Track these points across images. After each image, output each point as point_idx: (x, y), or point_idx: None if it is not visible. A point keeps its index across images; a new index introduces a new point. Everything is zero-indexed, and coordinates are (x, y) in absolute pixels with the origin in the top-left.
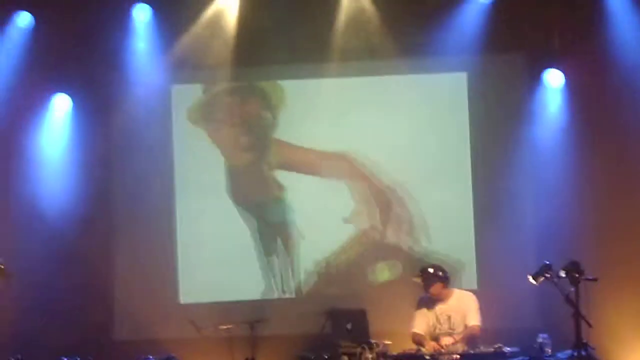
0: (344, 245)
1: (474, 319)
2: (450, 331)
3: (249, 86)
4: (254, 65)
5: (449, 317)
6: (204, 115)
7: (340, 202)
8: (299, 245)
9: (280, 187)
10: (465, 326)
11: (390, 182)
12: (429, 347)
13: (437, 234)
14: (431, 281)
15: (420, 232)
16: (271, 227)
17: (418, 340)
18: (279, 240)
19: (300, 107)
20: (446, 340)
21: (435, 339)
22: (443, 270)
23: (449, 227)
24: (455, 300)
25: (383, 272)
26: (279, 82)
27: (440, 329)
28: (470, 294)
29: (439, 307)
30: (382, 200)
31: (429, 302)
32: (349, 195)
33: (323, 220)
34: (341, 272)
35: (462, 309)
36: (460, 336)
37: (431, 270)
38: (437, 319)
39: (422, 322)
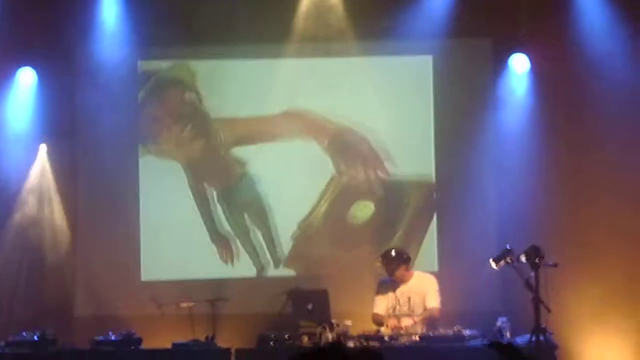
0: (317, 200)
1: (434, 301)
2: (410, 312)
3: (165, 77)
4: (215, 43)
5: (409, 299)
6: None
7: (304, 160)
8: (274, 215)
9: (242, 163)
10: (425, 308)
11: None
12: (388, 327)
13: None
14: (395, 265)
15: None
16: (242, 207)
17: (378, 320)
18: (252, 217)
19: (252, 87)
20: (406, 322)
21: (396, 320)
22: (405, 253)
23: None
24: (416, 282)
25: (363, 210)
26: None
27: (400, 310)
28: (431, 275)
29: (400, 289)
30: (341, 141)
31: (389, 283)
32: (309, 149)
33: (291, 182)
34: (321, 228)
35: (422, 290)
36: (420, 318)
37: (393, 253)
38: (397, 300)
39: (382, 303)
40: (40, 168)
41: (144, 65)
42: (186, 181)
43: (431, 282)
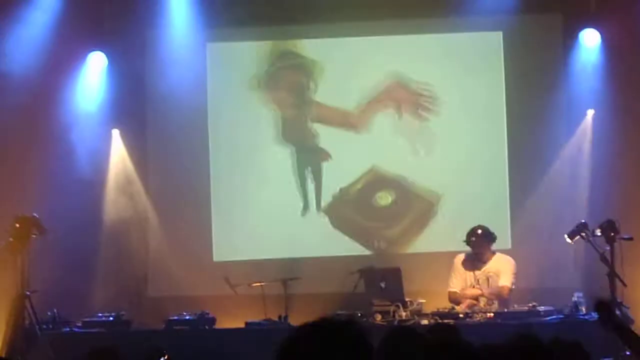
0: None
1: (506, 280)
2: (485, 291)
3: (297, 62)
4: (285, 24)
5: (488, 279)
6: (268, 84)
7: (363, 146)
8: (325, 174)
9: (316, 135)
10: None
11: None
12: (464, 305)
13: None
14: (483, 243)
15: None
16: (305, 159)
17: (455, 298)
18: (310, 168)
19: (335, 72)
20: (482, 301)
21: (474, 299)
22: (491, 232)
23: (483, 185)
24: (495, 262)
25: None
26: (315, 58)
27: (476, 291)
28: (510, 258)
29: (480, 269)
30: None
31: (467, 262)
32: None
33: (345, 160)
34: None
35: (500, 270)
36: (487, 292)
37: (480, 231)
38: (477, 280)
39: (459, 281)
40: (118, 154)
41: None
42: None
43: (509, 263)
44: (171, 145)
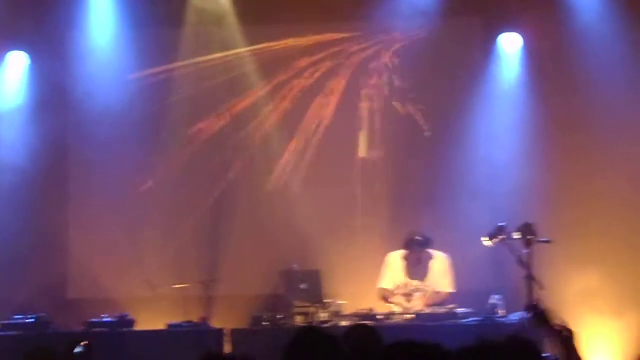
0: None
1: (448, 285)
2: (426, 288)
3: None
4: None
5: (426, 274)
6: None
7: None
8: None
9: None
10: (438, 291)
11: None
12: (396, 304)
13: None
14: (424, 247)
15: None
16: None
17: (385, 295)
18: None
19: None
20: (417, 304)
21: (407, 295)
22: (428, 236)
23: None
24: (434, 260)
25: None
26: None
27: (412, 286)
28: (445, 255)
29: (414, 266)
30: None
31: (399, 259)
32: None
33: None
34: None
35: (437, 270)
36: (431, 300)
37: (420, 237)
38: (413, 274)
39: (390, 278)
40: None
41: None
42: None
43: (447, 264)
44: (93, 139)
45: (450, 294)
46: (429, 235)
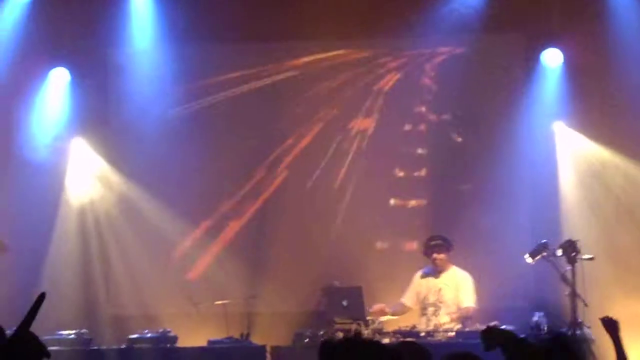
0: None
1: (470, 301)
2: (438, 304)
3: None
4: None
5: (440, 290)
6: None
7: None
8: None
9: None
10: (459, 306)
11: None
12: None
13: None
14: (441, 249)
15: None
16: None
17: (397, 309)
18: None
19: None
20: (443, 319)
21: (423, 309)
22: (450, 242)
23: None
24: (450, 275)
25: None
26: None
27: (427, 300)
28: (467, 274)
29: (433, 279)
30: None
31: (425, 275)
32: None
33: None
34: None
35: (456, 285)
36: (456, 316)
37: (440, 239)
38: (429, 290)
39: (412, 292)
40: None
41: None
42: None
43: (467, 280)
44: (139, 159)
45: (475, 310)
46: (447, 237)
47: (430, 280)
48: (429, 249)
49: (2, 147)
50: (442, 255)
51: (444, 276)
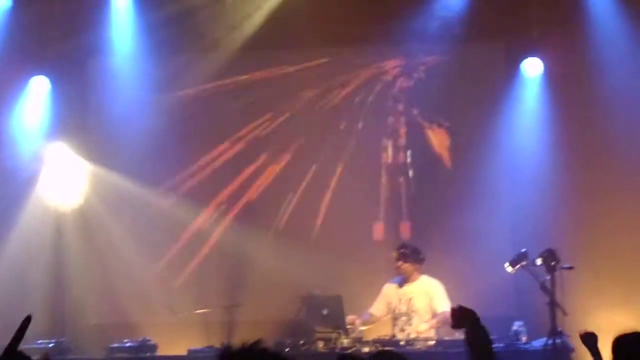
0: None
1: (445, 305)
2: (412, 313)
3: None
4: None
5: (410, 299)
6: None
7: None
8: None
9: None
10: (434, 313)
11: None
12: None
13: None
14: (406, 258)
15: None
16: None
17: (367, 320)
18: None
19: None
20: (421, 327)
21: (395, 319)
22: (421, 253)
23: None
24: (420, 285)
25: None
26: None
27: (399, 310)
28: (436, 280)
29: (403, 289)
30: None
31: (394, 285)
32: None
33: None
34: None
35: (428, 293)
36: (434, 323)
37: (409, 248)
38: (399, 300)
39: (382, 302)
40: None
41: None
42: None
43: (438, 287)
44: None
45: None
46: (416, 248)
47: (400, 290)
48: (395, 257)
49: None
50: (406, 265)
51: (414, 285)
